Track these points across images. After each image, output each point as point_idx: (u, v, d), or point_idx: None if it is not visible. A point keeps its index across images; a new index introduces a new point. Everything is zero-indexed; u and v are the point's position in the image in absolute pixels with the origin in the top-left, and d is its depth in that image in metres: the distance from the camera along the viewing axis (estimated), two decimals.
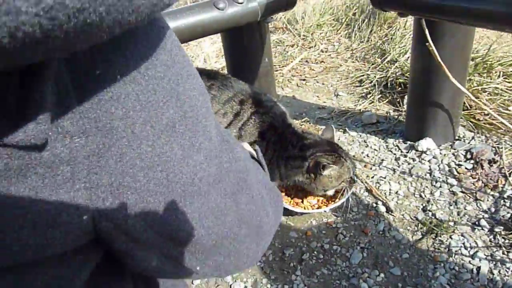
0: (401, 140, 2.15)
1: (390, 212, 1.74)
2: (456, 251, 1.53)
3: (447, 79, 1.77)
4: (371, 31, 3.26)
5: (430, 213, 1.70)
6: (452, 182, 1.81)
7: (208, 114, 0.40)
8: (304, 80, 3.01)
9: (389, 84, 2.62)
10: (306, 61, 3.27)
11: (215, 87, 1.74)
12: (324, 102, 2.73)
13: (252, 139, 1.69)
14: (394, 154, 2.07)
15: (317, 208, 1.78)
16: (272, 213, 0.56)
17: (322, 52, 3.34)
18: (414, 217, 1.71)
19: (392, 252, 1.58)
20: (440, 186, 1.81)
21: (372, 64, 2.95)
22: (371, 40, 3.21)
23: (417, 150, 2.03)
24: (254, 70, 2.08)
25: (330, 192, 1.73)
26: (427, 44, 1.70)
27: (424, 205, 1.75)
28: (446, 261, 1.50)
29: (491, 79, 2.30)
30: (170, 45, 0.35)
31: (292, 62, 3.23)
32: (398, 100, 2.50)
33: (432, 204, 1.73)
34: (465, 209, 1.69)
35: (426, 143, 2.00)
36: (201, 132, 0.37)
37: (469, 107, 2.19)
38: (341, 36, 3.45)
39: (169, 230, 0.37)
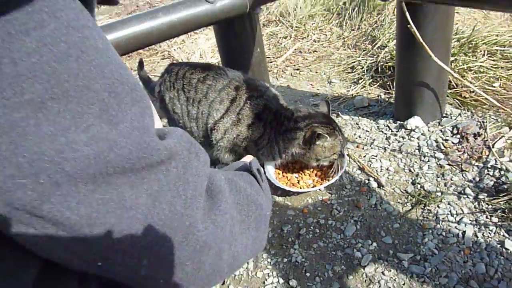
0: (391, 121, 2.23)
1: (381, 187, 1.83)
2: (443, 218, 1.62)
3: (430, 58, 1.86)
4: (361, 19, 3.34)
5: (419, 186, 1.79)
6: (440, 156, 1.90)
7: (127, 105, 0.38)
8: (298, 69, 3.10)
9: (379, 69, 2.71)
10: (300, 51, 3.35)
11: (210, 77, 1.84)
12: (318, 89, 2.81)
13: (250, 121, 1.79)
14: (385, 133, 2.16)
15: (313, 187, 1.87)
16: (246, 246, 0.56)
17: (315, 42, 3.43)
18: (404, 190, 1.80)
19: (383, 223, 1.67)
20: (428, 161, 1.90)
21: (363, 50, 3.03)
22: (362, 28, 3.29)
23: (406, 129, 2.12)
24: (247, 60, 2.17)
25: (325, 163, 1.81)
26: (408, 26, 1.79)
27: (413, 178, 1.84)
28: (434, 228, 1.59)
29: (476, 58, 2.38)
30: (56, 24, 0.33)
31: (285, 53, 3.31)
32: (388, 83, 2.59)
33: (420, 178, 1.82)
34: (451, 180, 1.78)
35: (414, 122, 2.09)
36: (93, 114, 0.35)
37: (455, 85, 2.27)
38: (332, 25, 3.53)
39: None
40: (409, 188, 1.80)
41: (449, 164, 1.85)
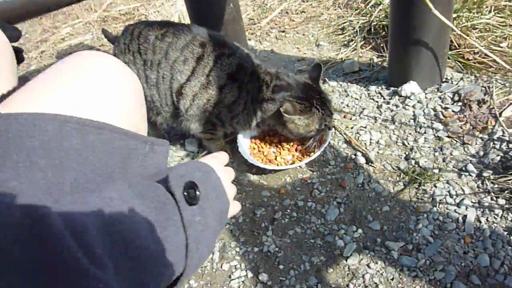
0: (383, 87, 1.96)
1: (370, 164, 1.58)
2: (440, 200, 1.38)
3: (430, 12, 1.56)
4: None
5: (413, 162, 1.54)
6: (438, 127, 1.64)
7: None
8: (283, 31, 2.78)
9: (372, 29, 2.40)
10: (286, 12, 3.03)
11: (169, 33, 1.55)
12: (305, 53, 2.52)
13: (222, 83, 1.52)
14: (376, 101, 1.89)
15: (291, 164, 1.62)
16: None
17: (303, 1, 3.09)
18: (396, 166, 1.55)
19: (371, 206, 1.43)
20: (425, 132, 1.64)
21: (356, 10, 2.71)
22: None
23: (400, 96, 1.85)
24: (218, 17, 1.87)
25: (304, 136, 1.57)
26: None
27: (407, 153, 1.59)
28: (429, 212, 1.35)
29: (481, 14, 2.08)
30: None
31: (271, 14, 2.99)
32: (381, 45, 2.29)
33: (415, 152, 1.57)
34: (451, 154, 1.52)
35: (410, 87, 1.82)
36: None
37: (457, 46, 1.98)
38: None
39: None
40: (402, 165, 1.54)
41: (448, 136, 1.59)
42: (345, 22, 2.63)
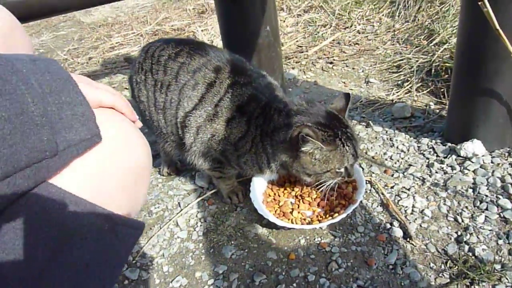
0: (439, 141, 1.59)
1: (408, 239, 1.22)
2: None
3: (508, 56, 1.20)
4: (419, 8, 2.65)
5: (466, 247, 1.15)
6: (505, 205, 1.24)
7: None
8: (331, 63, 2.48)
9: (433, 70, 2.04)
10: (338, 42, 2.73)
11: (184, 53, 1.32)
12: (351, 89, 2.20)
13: (229, 115, 1.25)
14: (427, 158, 1.52)
15: (308, 224, 1.29)
16: None
17: (358, 33, 2.78)
18: (443, 249, 1.17)
19: None
20: (487, 209, 1.25)
21: (416, 47, 2.36)
22: (418, 20, 2.60)
23: (459, 156, 1.46)
24: (252, 41, 1.61)
25: (322, 180, 1.24)
26: (480, 3, 1.14)
27: (459, 233, 1.21)
28: None
29: None
30: None
31: (321, 43, 2.70)
32: (442, 90, 1.92)
33: (471, 234, 1.18)
34: None
35: (472, 147, 1.43)
36: None
37: None
38: (382, 15, 2.86)
39: None
40: (450, 248, 1.17)
41: None
42: (402, 60, 2.28)
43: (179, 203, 1.52)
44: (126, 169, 0.62)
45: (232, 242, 1.32)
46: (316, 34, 2.86)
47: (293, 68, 2.48)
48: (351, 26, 2.86)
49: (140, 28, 3.72)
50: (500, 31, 1.16)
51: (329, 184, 1.24)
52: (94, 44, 3.59)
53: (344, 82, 2.27)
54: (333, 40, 2.74)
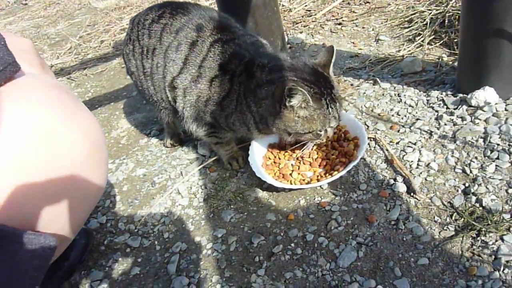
0: (449, 93, 1.49)
1: (412, 194, 1.16)
2: (508, 261, 0.92)
3: None
4: None
5: (474, 198, 1.08)
6: None
7: None
8: (340, 24, 2.38)
9: (446, 21, 1.90)
10: (348, 3, 2.61)
11: (166, 14, 1.29)
12: (360, 49, 2.10)
13: (212, 74, 1.21)
14: (436, 111, 1.43)
15: (307, 183, 1.25)
16: None
17: None
18: (449, 202, 1.11)
19: (403, 254, 1.02)
20: (498, 158, 1.16)
21: None
22: None
23: (470, 105, 1.37)
24: (246, 0, 1.55)
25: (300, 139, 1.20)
26: None
27: (467, 185, 1.13)
28: (487, 277, 0.90)
29: None
30: None
31: (330, 4, 2.59)
32: (455, 40, 1.79)
33: (479, 185, 1.11)
34: None
35: (484, 95, 1.33)
36: None
37: None
38: None
39: None
40: (457, 201, 1.10)
41: None
42: (414, 13, 2.15)
43: (181, 172, 1.51)
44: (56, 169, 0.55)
45: (232, 207, 1.30)
46: None
47: (301, 33, 2.40)
48: None
49: None
50: None
51: (308, 146, 1.20)
52: (106, 28, 3.61)
53: (353, 42, 2.17)
54: (343, 1, 2.62)
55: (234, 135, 1.38)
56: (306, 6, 2.72)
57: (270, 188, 1.31)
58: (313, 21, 2.48)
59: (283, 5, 2.78)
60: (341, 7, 2.57)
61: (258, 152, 1.40)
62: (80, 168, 0.59)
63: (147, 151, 1.70)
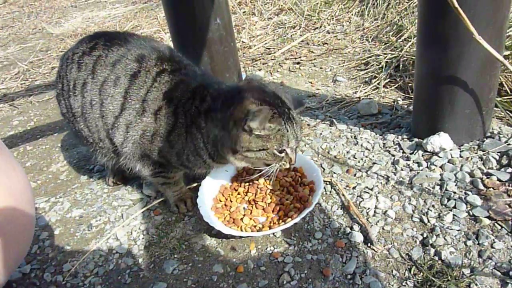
0: (405, 137, 1.46)
1: (369, 245, 1.08)
2: None
3: (470, 40, 1.09)
4: (387, 5, 2.56)
5: (432, 251, 1.02)
6: (475, 201, 1.11)
7: None
8: (298, 63, 2.37)
9: (401, 65, 1.93)
10: (307, 43, 2.62)
11: (99, 46, 1.18)
12: (318, 89, 2.08)
13: (157, 105, 1.10)
14: (393, 155, 1.39)
15: (258, 230, 1.15)
16: None
17: (328, 33, 2.68)
18: (407, 254, 1.03)
19: None
20: (455, 207, 1.12)
21: (385, 43, 2.26)
22: (387, 17, 2.51)
23: (426, 151, 1.34)
24: (201, 35, 1.48)
25: (256, 166, 1.10)
26: None
27: (425, 235, 1.07)
28: None
29: None
30: None
31: (289, 44, 2.59)
32: (410, 84, 1.81)
33: (438, 236, 1.05)
34: (492, 247, 0.99)
35: (439, 141, 1.31)
36: None
37: (509, 91, 1.47)
38: (352, 14, 2.77)
39: None
40: (415, 253, 1.03)
41: (490, 218, 1.06)
42: (370, 56, 2.18)
43: (122, 214, 1.36)
44: None
45: (175, 256, 1.16)
46: (285, 36, 2.76)
47: (259, 70, 2.36)
48: (320, 27, 2.77)
49: None
50: (459, 9, 1.05)
51: (271, 171, 1.10)
52: (59, 54, 3.43)
53: (311, 82, 2.15)
54: (302, 41, 2.63)
55: (183, 174, 1.26)
56: (266, 44, 2.72)
57: (219, 234, 1.19)
58: (272, 59, 2.46)
59: (243, 41, 2.76)
60: (300, 46, 2.58)
61: (208, 194, 1.29)
62: None
63: (87, 189, 1.53)
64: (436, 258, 1.00)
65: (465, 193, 1.15)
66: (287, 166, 1.10)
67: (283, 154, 1.06)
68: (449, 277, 0.93)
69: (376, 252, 1.05)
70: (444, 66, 1.22)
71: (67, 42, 3.74)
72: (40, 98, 2.55)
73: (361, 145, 1.48)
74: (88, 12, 4.95)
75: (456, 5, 1.04)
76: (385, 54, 2.09)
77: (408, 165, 1.31)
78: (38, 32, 4.49)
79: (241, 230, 1.16)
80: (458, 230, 1.05)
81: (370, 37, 2.42)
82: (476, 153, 1.28)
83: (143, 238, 1.24)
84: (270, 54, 2.55)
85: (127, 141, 1.15)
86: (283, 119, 1.02)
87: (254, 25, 3.09)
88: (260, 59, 2.49)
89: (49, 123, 2.21)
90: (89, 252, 1.22)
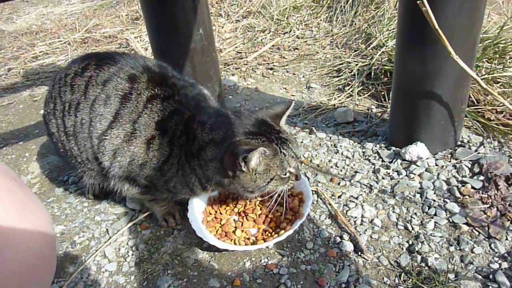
0: (383, 145, 1.53)
1: (360, 253, 1.13)
2: None
3: (447, 57, 1.16)
4: (355, 13, 2.65)
5: (419, 257, 1.08)
6: (453, 209, 1.20)
7: None
8: (271, 69, 2.40)
9: (372, 74, 2.01)
10: (278, 48, 2.66)
11: (91, 66, 1.15)
12: (293, 95, 2.12)
13: (149, 134, 1.09)
14: (373, 164, 1.46)
15: (252, 244, 1.16)
16: None
17: (298, 38, 2.73)
18: (395, 261, 1.10)
19: None
20: (435, 214, 1.20)
21: (355, 51, 2.34)
22: (355, 24, 2.60)
23: (404, 160, 1.42)
24: (183, 45, 1.47)
25: (266, 191, 1.12)
26: (418, 2, 1.09)
27: (410, 242, 1.14)
28: None
29: (503, 66, 1.69)
30: None
31: (260, 49, 2.61)
32: (382, 93, 1.89)
33: (422, 243, 1.12)
34: (472, 252, 1.08)
35: (417, 150, 1.39)
36: None
37: (475, 102, 1.58)
38: (320, 20, 2.84)
39: None
40: (403, 259, 1.09)
41: (468, 224, 1.15)
42: (342, 64, 2.25)
43: (107, 229, 1.32)
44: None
45: (169, 272, 1.15)
46: (255, 40, 2.77)
47: (233, 75, 2.36)
48: (290, 31, 2.81)
49: (68, 36, 3.42)
50: (439, 30, 1.12)
51: (279, 193, 1.12)
52: (15, 54, 3.24)
53: (285, 88, 2.19)
54: (273, 46, 2.66)
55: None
56: (236, 47, 2.72)
57: (210, 248, 1.20)
58: (244, 64, 2.47)
59: None
60: (271, 51, 2.61)
61: (198, 207, 1.28)
62: (32, 273, 0.46)
63: (64, 202, 1.47)
64: (423, 264, 1.06)
65: (444, 201, 1.23)
66: (294, 182, 1.13)
67: (288, 175, 1.08)
68: (436, 283, 1.00)
69: (367, 260, 1.11)
70: (422, 80, 1.29)
71: (22, 40, 3.53)
72: None
73: (342, 153, 1.54)
74: (42, 8, 4.68)
75: (437, 26, 1.11)
76: (356, 62, 2.17)
77: (389, 173, 1.39)
78: None
79: (235, 244, 1.17)
80: (440, 237, 1.13)
81: (340, 43, 2.50)
82: (450, 161, 1.37)
83: (132, 255, 1.22)
84: (242, 58, 2.55)
85: (113, 165, 1.13)
86: (276, 143, 1.03)
87: (222, 27, 3.08)
88: (232, 63, 2.49)
89: (12, 130, 2.09)
90: (77, 272, 1.18)
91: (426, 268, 1.05)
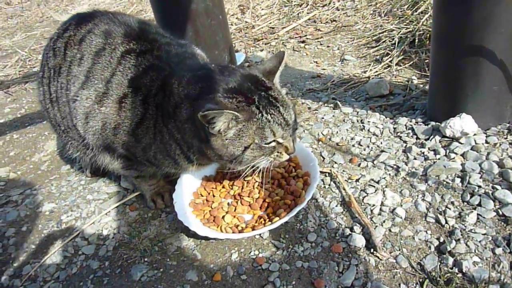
0: (420, 120, 1.23)
1: (372, 250, 0.87)
2: None
3: (500, 2, 0.85)
4: None
5: (451, 260, 0.80)
6: (505, 197, 0.89)
7: None
8: (303, 42, 2.14)
9: (417, 40, 1.68)
10: (314, 21, 2.38)
11: (71, 26, 1.06)
12: (323, 69, 1.85)
13: (121, 92, 0.92)
14: (404, 142, 1.17)
15: (240, 231, 0.96)
16: None
17: (338, 10, 2.43)
18: (418, 264, 0.82)
19: None
20: (480, 204, 0.90)
21: (399, 18, 2.00)
22: None
23: (444, 136, 1.11)
24: (184, 6, 1.28)
25: (252, 164, 0.89)
26: None
27: (442, 240, 0.85)
28: None
29: None
30: None
31: (295, 22, 2.36)
32: (427, 61, 1.56)
33: (458, 241, 0.83)
34: None
35: (461, 124, 1.08)
36: None
37: None
38: None
39: None
40: (429, 262, 0.82)
41: None
42: (382, 32, 1.93)
43: (95, 209, 1.19)
44: None
45: (146, 260, 0.98)
46: (291, 14, 2.52)
47: (261, 50, 2.15)
48: (329, 3, 2.51)
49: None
50: None
51: (264, 167, 0.90)
52: None
53: (316, 62, 1.93)
54: (309, 19, 2.39)
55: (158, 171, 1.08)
56: (270, 23, 2.49)
57: (197, 235, 1.01)
58: (275, 39, 2.24)
59: (246, 21, 2.54)
60: (306, 25, 2.35)
61: (188, 187, 1.10)
62: None
63: (64, 180, 1.37)
64: (456, 269, 0.78)
65: (493, 188, 0.92)
66: (285, 157, 0.89)
67: (272, 144, 0.85)
68: None
69: (381, 260, 0.85)
70: (466, 32, 0.98)
71: None
72: (35, 85, 2.41)
73: (368, 130, 1.26)
74: None
75: None
76: (398, 28, 1.84)
77: (423, 153, 1.09)
78: (45, 20, 4.38)
79: (221, 231, 0.97)
80: (483, 234, 0.83)
81: (383, 12, 2.17)
82: (506, 138, 1.05)
83: (113, 238, 1.07)
84: (273, 33, 2.32)
85: (87, 131, 0.98)
86: (257, 105, 0.81)
87: (260, 4, 2.86)
88: (262, 39, 2.27)
89: (39, 110, 2.07)
90: (52, 253, 1.05)
91: (460, 275, 0.77)
